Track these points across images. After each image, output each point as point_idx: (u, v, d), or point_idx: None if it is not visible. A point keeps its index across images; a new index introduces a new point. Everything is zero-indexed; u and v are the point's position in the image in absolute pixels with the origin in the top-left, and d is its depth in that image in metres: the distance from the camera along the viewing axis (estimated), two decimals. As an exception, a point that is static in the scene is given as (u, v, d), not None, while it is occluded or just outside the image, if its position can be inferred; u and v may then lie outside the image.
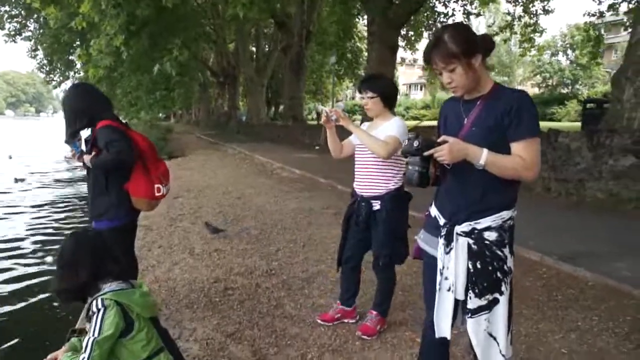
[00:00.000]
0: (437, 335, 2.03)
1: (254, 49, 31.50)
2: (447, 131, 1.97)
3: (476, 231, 1.90)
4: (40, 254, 6.56)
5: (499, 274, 1.89)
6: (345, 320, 3.31)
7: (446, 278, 1.97)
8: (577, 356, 2.90)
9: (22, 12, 23.52)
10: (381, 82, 3.04)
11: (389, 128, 2.90)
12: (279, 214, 6.80)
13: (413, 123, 17.20)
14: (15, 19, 24.66)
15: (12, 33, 24.95)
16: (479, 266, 1.90)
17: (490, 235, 1.89)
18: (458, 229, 1.93)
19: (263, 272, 4.37)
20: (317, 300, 3.76)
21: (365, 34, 29.09)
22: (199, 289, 4.01)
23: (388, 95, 3.00)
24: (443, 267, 1.97)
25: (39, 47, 25.34)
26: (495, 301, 1.90)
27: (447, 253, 1.95)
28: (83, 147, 3.01)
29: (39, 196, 11.58)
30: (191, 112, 53.29)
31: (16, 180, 13.71)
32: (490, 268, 1.89)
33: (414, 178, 1.92)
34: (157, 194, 3.05)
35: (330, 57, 24.43)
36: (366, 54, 27.28)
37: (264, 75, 28.01)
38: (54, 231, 8.03)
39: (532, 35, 19.41)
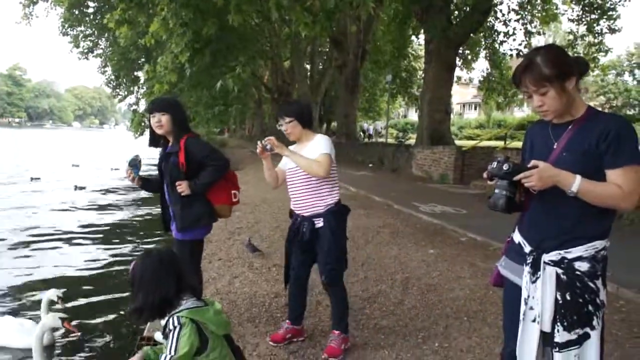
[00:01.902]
0: (519, 368, 1.94)
1: (308, 66, 31.95)
2: (534, 156, 1.89)
3: (566, 261, 1.81)
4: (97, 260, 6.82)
5: (590, 307, 1.79)
6: (295, 340, 3.29)
7: (531, 308, 1.88)
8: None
9: (95, 31, 25.01)
10: (295, 106, 3.16)
11: (318, 146, 2.99)
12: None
13: (471, 143, 16.82)
14: (88, 38, 26.26)
15: (85, 51, 26.56)
16: (568, 297, 1.80)
17: (582, 266, 1.80)
18: (546, 257, 1.84)
19: (322, 290, 4.33)
20: (379, 322, 3.69)
21: (420, 53, 29.05)
22: (260, 303, 4.03)
23: (304, 117, 3.07)
24: (528, 297, 1.88)
25: (108, 63, 26.80)
26: (586, 336, 1.79)
27: (534, 282, 1.86)
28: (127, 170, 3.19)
29: (96, 202, 12.12)
30: (245, 127, 54.51)
31: (76, 188, 14.08)
32: (581, 300, 1.79)
33: (500, 203, 1.85)
34: (233, 200, 3.28)
35: (386, 75, 24.46)
36: (420, 72, 27.18)
37: (317, 93, 28.30)
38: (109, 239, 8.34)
39: (595, 54, 18.70)
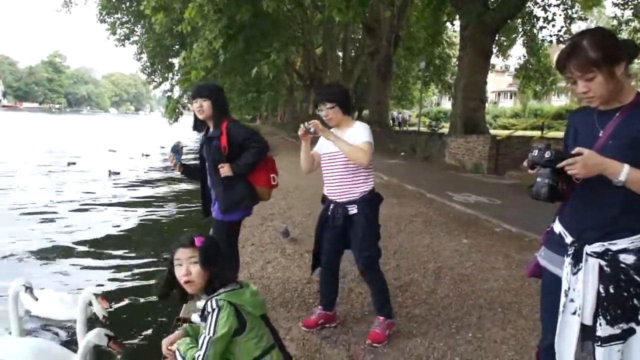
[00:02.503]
0: (557, 360, 1.90)
1: (340, 53, 31.76)
2: (578, 144, 1.82)
3: (610, 252, 1.75)
4: (133, 246, 7.00)
5: (636, 301, 1.73)
6: (327, 325, 3.29)
7: (572, 300, 1.83)
8: None
9: (132, 18, 25.48)
10: (337, 92, 3.11)
11: (358, 134, 2.96)
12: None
13: (506, 133, 16.47)
14: (125, 25, 26.78)
15: (122, 38, 27.11)
16: (612, 291, 1.74)
17: (627, 259, 1.74)
18: (588, 248, 1.79)
19: (354, 277, 4.35)
20: (411, 310, 3.68)
21: (455, 39, 28.45)
22: (292, 288, 4.08)
23: (345, 102, 3.05)
24: (569, 289, 1.83)
25: (143, 50, 27.28)
26: (631, 331, 1.73)
27: (575, 274, 1.81)
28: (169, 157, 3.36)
29: (129, 188, 12.30)
30: (277, 114, 54.79)
31: (110, 173, 14.05)
32: (625, 294, 1.73)
33: (542, 192, 1.80)
34: (273, 183, 3.38)
35: (419, 62, 24.11)
36: (455, 60, 26.65)
37: (349, 80, 28.14)
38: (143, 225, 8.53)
39: (643, 41, 17.91)
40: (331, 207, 3.11)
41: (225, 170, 3.19)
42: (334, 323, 3.35)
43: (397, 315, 3.55)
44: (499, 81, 61.14)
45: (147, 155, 20.51)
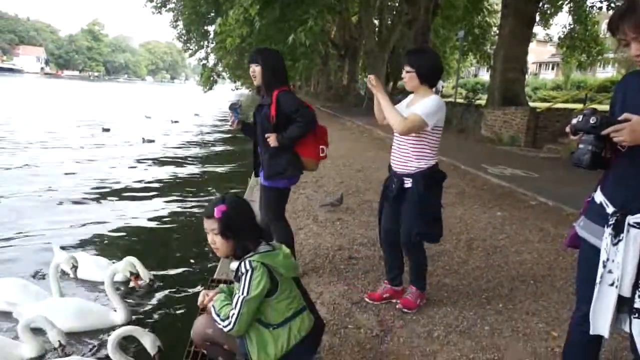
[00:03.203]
0: (592, 332, 1.87)
1: (376, 21, 31.05)
2: (627, 109, 1.74)
3: (653, 224, 1.69)
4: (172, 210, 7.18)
5: (677, 274, 1.68)
6: (394, 300, 3.23)
7: (610, 271, 1.79)
8: None
9: (168, -16, 25.49)
10: (420, 58, 2.94)
11: (419, 105, 2.85)
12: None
13: (544, 105, 15.91)
14: (161, -8, 26.81)
15: (158, 5, 27.16)
16: (653, 263, 1.69)
17: (672, 231, 1.67)
18: (631, 219, 1.73)
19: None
20: (442, 279, 3.69)
21: (496, 7, 27.35)
22: (324, 255, 4.13)
23: (424, 72, 2.88)
24: (607, 259, 1.79)
25: (179, 18, 27.29)
26: (670, 304, 1.69)
27: (615, 244, 1.76)
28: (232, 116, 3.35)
29: (163, 155, 12.42)
30: (310, 84, 54.44)
31: (144, 141, 14.20)
32: (667, 266, 1.68)
33: (585, 159, 1.74)
34: (321, 155, 3.40)
35: (458, 31, 23.38)
36: (495, 29, 25.68)
37: (385, 49, 27.54)
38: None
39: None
40: (390, 176, 3.07)
41: (271, 140, 3.22)
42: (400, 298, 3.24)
43: (427, 284, 3.56)
44: (540, 52, 58.72)
45: (176, 122, 20.77)
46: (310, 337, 2.14)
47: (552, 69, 56.28)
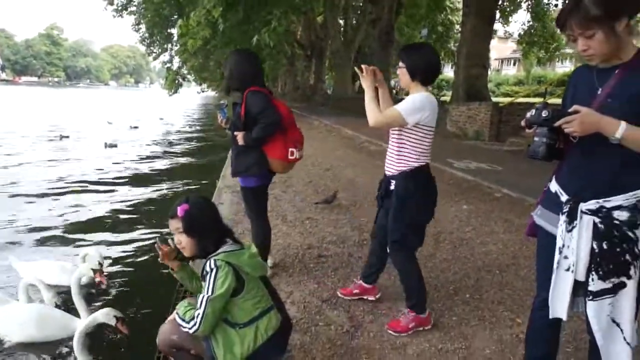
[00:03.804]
0: (551, 316, 1.94)
1: (342, 21, 31.25)
2: (576, 102, 1.81)
3: (604, 210, 1.77)
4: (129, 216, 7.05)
5: (627, 257, 1.76)
6: (365, 297, 3.23)
7: (566, 257, 1.86)
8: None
9: (129, -14, 24.98)
10: (413, 54, 2.76)
11: (402, 102, 2.70)
12: (369, 186, 6.78)
13: (506, 100, 16.33)
14: (122, -6, 26.25)
15: (119, 8, 26.59)
16: (605, 247, 1.77)
17: (621, 215, 1.75)
18: (583, 206, 1.80)
19: (355, 242, 4.42)
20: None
21: (458, 5, 27.90)
22: (293, 254, 4.13)
23: (415, 68, 2.69)
24: (563, 246, 1.86)
25: (142, 21, 26.82)
26: (622, 285, 1.77)
27: (569, 231, 1.84)
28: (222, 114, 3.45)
29: (123, 160, 11.98)
30: (277, 84, 54.32)
31: (106, 146, 13.72)
32: (618, 249, 1.76)
33: (540, 150, 1.81)
34: (290, 157, 3.32)
35: (420, 30, 23.75)
36: (458, 27, 26.20)
37: (351, 49, 27.77)
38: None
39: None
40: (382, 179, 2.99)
41: (239, 138, 3.26)
42: (372, 297, 3.23)
43: (396, 278, 3.59)
44: (502, 48, 60.25)
45: (135, 127, 20.33)
46: (277, 336, 2.14)
47: (514, 64, 57.78)
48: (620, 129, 1.66)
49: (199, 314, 1.99)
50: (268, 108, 3.21)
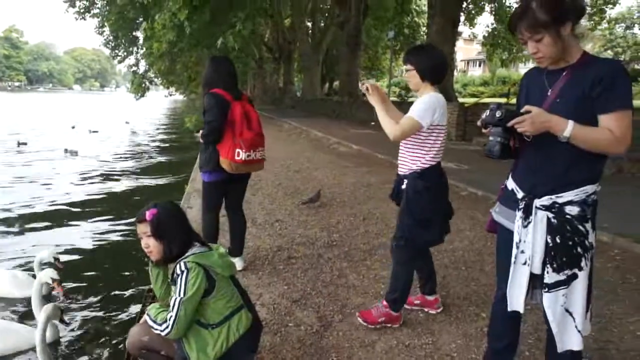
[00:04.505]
0: (509, 309, 2.02)
1: (309, 24, 31.35)
2: (529, 103, 1.90)
3: (557, 205, 1.85)
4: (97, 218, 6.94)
5: (579, 249, 1.85)
6: (426, 309, 3.16)
7: (522, 251, 1.94)
8: (653, 340, 2.80)
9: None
10: (420, 54, 2.77)
11: (414, 106, 2.69)
12: (338, 187, 6.86)
13: (472, 100, 16.69)
14: (84, -4, 25.66)
15: (82, 11, 25.99)
16: (558, 241, 1.85)
17: (572, 210, 1.84)
18: (537, 202, 1.89)
19: (324, 243, 4.46)
20: (379, 272, 3.80)
21: (424, 8, 28.38)
22: (263, 256, 4.14)
23: (424, 68, 2.70)
24: (520, 241, 1.94)
25: (105, 24, 26.26)
26: (574, 276, 1.86)
27: (525, 227, 1.92)
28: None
29: (84, 167, 11.65)
30: (246, 88, 54.02)
31: (67, 152, 13.35)
32: (570, 243, 1.85)
33: (495, 150, 1.89)
34: (236, 158, 3.46)
35: (388, 32, 24.00)
36: (424, 29, 26.63)
37: (319, 51, 27.88)
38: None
39: (603, 6, 18.21)
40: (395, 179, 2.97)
41: (199, 136, 3.60)
42: (434, 310, 3.14)
43: (365, 277, 3.68)
44: (468, 50, 61.49)
45: (95, 132, 19.87)
46: (249, 335, 2.16)
47: (480, 66, 59.04)
48: (568, 128, 1.74)
49: (171, 316, 1.99)
50: (212, 109, 3.45)
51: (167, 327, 2.00)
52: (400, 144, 2.83)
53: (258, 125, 3.60)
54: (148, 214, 2.08)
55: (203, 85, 3.62)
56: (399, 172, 2.88)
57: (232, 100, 3.46)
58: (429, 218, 2.80)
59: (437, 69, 2.74)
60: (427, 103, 2.66)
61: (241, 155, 3.44)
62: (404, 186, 2.82)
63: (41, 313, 2.84)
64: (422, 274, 3.16)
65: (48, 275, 3.36)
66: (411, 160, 2.77)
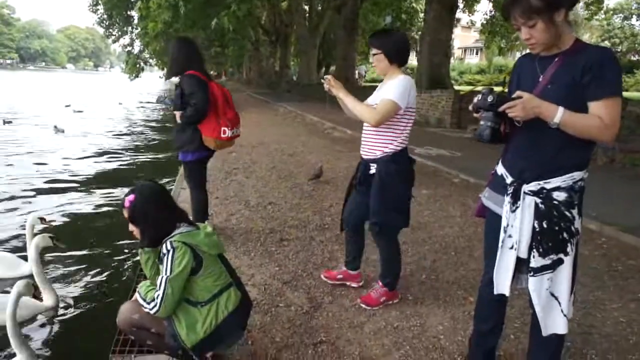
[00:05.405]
0: (495, 292, 2.06)
1: (306, 7, 31.03)
2: (520, 89, 1.92)
3: (545, 191, 1.88)
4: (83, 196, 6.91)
5: (565, 235, 1.88)
6: (348, 283, 3.27)
7: (510, 236, 1.97)
8: (637, 325, 2.86)
9: (84, -34, 24.06)
10: (384, 38, 2.79)
11: (388, 89, 2.70)
12: (331, 172, 6.88)
13: (468, 89, 16.68)
14: (77, -27, 25.22)
15: (75, -13, 25.60)
16: (545, 226, 1.89)
17: (559, 196, 1.87)
18: (526, 187, 1.91)
19: (316, 226, 4.49)
20: (369, 256, 3.82)
21: (423, -7, 28.17)
22: (255, 238, 4.17)
23: (392, 51, 2.72)
24: (507, 225, 1.97)
25: (99, 1, 25.88)
26: (560, 261, 1.89)
27: (513, 211, 1.95)
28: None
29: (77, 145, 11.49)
30: (242, 71, 53.62)
31: (56, 130, 13.19)
32: (556, 228, 1.88)
33: (485, 134, 1.91)
34: (222, 136, 3.68)
35: (385, 17, 23.85)
36: (422, 14, 26.45)
37: (316, 35, 27.65)
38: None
39: (601, -4, 18.16)
40: (359, 163, 2.99)
41: (177, 117, 3.71)
42: (355, 283, 3.27)
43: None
44: (465, 37, 61.23)
45: (79, 112, 19.24)
46: (238, 313, 2.19)
47: (477, 53, 58.84)
48: (558, 114, 1.76)
49: (159, 294, 2.02)
50: (197, 92, 3.56)
51: (155, 305, 2.03)
52: (366, 127, 2.84)
53: (233, 103, 3.89)
54: (126, 201, 2.13)
55: (178, 67, 3.67)
56: (365, 157, 2.88)
57: (208, 81, 3.68)
58: (404, 201, 2.87)
59: (402, 51, 2.79)
60: (403, 86, 2.68)
61: (227, 132, 3.69)
62: (372, 171, 2.83)
63: (31, 244, 3.22)
64: (354, 250, 3.26)
65: (45, 236, 3.39)
66: (382, 143, 2.77)
